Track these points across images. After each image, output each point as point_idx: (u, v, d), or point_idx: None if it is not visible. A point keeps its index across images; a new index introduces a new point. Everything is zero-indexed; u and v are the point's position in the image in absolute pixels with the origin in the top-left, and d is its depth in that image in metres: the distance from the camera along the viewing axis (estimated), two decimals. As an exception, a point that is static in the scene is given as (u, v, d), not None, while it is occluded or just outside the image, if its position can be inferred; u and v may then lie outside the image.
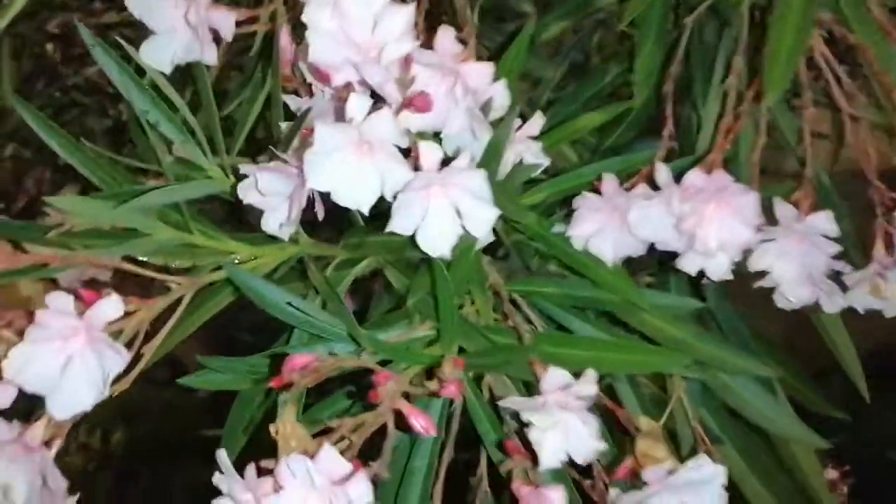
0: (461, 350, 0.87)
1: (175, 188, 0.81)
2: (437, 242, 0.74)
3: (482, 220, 0.73)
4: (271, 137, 0.92)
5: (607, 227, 0.92)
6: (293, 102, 0.90)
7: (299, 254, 0.94)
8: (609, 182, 0.91)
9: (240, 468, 0.62)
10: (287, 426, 0.61)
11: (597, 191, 0.96)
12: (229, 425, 0.97)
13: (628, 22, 0.99)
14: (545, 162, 0.90)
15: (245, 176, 0.77)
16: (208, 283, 0.89)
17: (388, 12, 0.71)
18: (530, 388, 0.83)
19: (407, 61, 0.72)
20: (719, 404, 1.02)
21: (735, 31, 1.06)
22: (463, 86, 0.76)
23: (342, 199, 0.71)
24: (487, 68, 0.79)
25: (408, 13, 0.71)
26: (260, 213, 0.82)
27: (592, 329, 0.97)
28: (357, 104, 0.69)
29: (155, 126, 0.88)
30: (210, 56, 0.79)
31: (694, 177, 0.85)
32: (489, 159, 0.79)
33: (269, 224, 0.78)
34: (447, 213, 0.74)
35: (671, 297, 0.95)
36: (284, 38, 0.86)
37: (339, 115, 0.75)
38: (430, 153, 0.71)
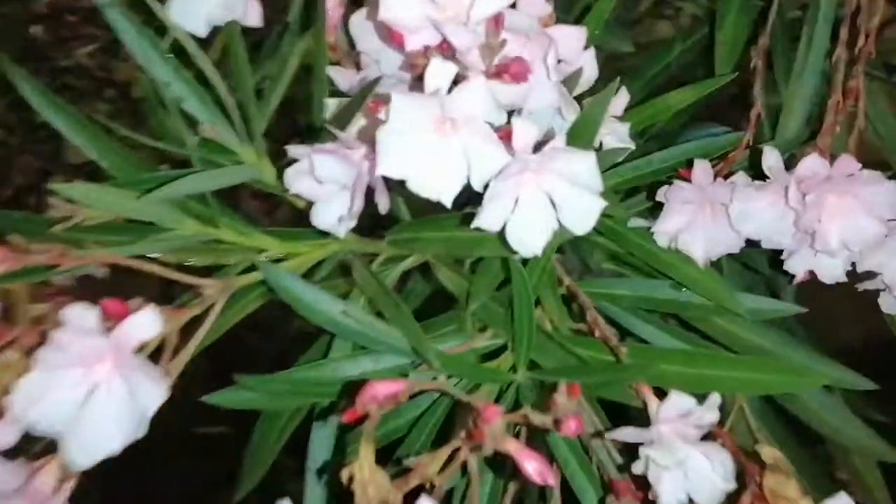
0: (534, 365, 0.75)
1: (207, 175, 0.68)
2: (531, 239, 0.61)
3: (586, 213, 0.61)
4: (308, 117, 0.79)
5: (697, 221, 0.80)
6: (339, 76, 0.77)
7: (341, 252, 0.82)
8: (702, 169, 0.79)
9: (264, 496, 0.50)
10: (365, 470, 0.49)
11: (681, 179, 0.84)
12: (254, 449, 0.84)
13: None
14: (631, 145, 0.77)
15: (291, 161, 0.65)
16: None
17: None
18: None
19: (496, 21, 0.59)
20: (777, 414, 0.91)
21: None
22: (555, 54, 0.63)
23: (420, 187, 0.58)
24: (581, 34, 0.67)
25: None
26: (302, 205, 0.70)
27: (670, 338, 0.86)
28: (440, 71, 0.57)
29: (178, 102, 0.75)
30: (254, 15, 0.65)
31: (812, 163, 0.73)
32: (580, 142, 0.66)
33: (323, 218, 0.65)
34: (542, 204, 0.61)
35: (765, 301, 0.83)
36: (333, -1, 0.73)
37: (413, 88, 0.62)
38: (524, 132, 0.59)
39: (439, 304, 0.91)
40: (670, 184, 0.81)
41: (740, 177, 0.78)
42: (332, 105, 0.76)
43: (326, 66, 0.75)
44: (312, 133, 0.78)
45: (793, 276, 0.84)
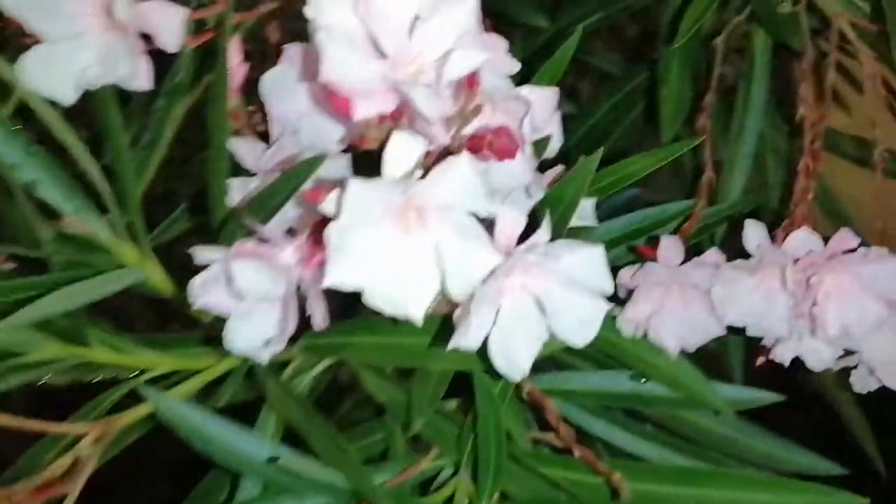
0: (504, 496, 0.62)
1: (75, 289, 0.51)
2: (519, 358, 0.48)
3: (587, 320, 0.48)
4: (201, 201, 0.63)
5: (667, 306, 0.69)
6: (243, 150, 0.62)
7: (245, 364, 0.66)
8: (671, 247, 0.69)
9: None
10: None
11: (643, 257, 0.74)
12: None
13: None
14: (595, 223, 0.66)
15: (197, 268, 0.49)
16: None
17: (444, 3, 0.45)
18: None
19: (471, 82, 0.46)
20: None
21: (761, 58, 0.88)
22: (531, 121, 0.51)
23: (382, 301, 0.44)
24: (554, 95, 0.55)
25: (471, 4, 0.46)
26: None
27: (636, 440, 0.75)
28: (407, 148, 0.43)
29: (31, 188, 0.57)
30: (141, 75, 0.49)
31: (804, 239, 0.64)
32: (555, 226, 0.54)
33: (241, 339, 0.50)
34: (530, 312, 0.48)
35: (741, 391, 0.73)
36: (235, 55, 0.58)
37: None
38: (510, 223, 0.46)
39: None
40: (633, 263, 0.71)
41: (713, 254, 0.68)
42: (235, 187, 0.60)
43: (228, 138, 0.59)
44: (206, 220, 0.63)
45: (746, 353, 0.75)
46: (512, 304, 0.48)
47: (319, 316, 0.49)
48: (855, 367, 0.71)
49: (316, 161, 0.46)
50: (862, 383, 0.73)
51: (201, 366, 0.65)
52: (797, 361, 0.70)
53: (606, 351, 0.72)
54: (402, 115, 0.47)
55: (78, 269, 0.60)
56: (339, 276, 0.43)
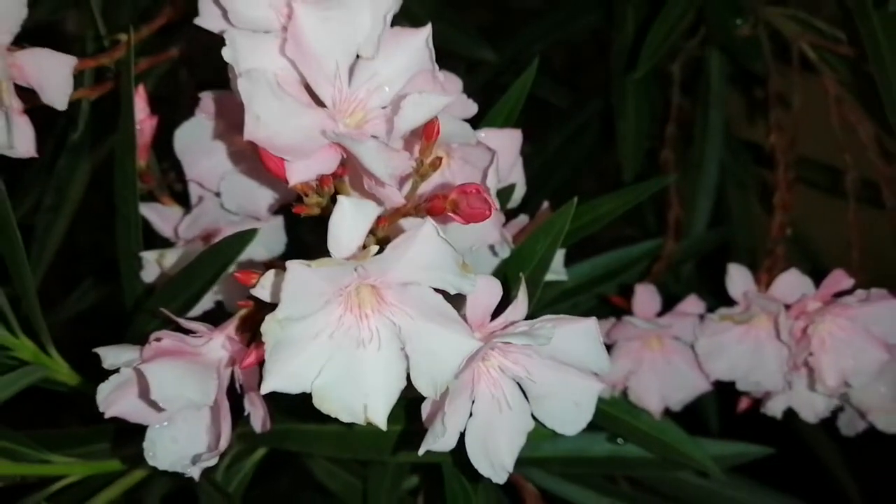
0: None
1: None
2: (501, 455, 0.40)
3: (581, 405, 0.41)
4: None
5: (646, 362, 0.63)
6: (156, 216, 0.53)
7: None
8: (647, 297, 0.63)
9: None
10: None
11: (615, 307, 0.67)
12: None
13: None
14: (564, 277, 0.59)
15: (103, 372, 0.40)
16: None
17: (392, 39, 0.38)
18: None
19: (430, 131, 0.39)
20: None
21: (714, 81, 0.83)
22: (496, 171, 0.44)
23: (336, 407, 0.36)
24: (517, 138, 0.48)
25: (422, 38, 0.38)
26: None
27: (610, 502, 0.68)
28: (354, 216, 0.35)
29: None
30: (23, 142, 0.40)
31: (794, 283, 0.58)
32: (520, 286, 0.46)
33: (163, 454, 0.41)
34: (511, 401, 0.41)
35: (727, 446, 0.66)
36: (142, 107, 0.50)
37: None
38: (485, 294, 0.38)
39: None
40: (608, 316, 0.64)
41: (693, 302, 0.62)
42: (149, 260, 0.52)
43: (137, 203, 0.50)
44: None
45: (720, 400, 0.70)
46: (489, 392, 0.40)
47: (259, 420, 0.40)
48: (841, 409, 0.66)
49: (245, 237, 0.38)
50: (849, 426, 0.67)
51: (115, 468, 0.56)
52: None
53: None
54: (344, 174, 0.39)
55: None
56: (280, 381, 0.34)
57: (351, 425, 0.51)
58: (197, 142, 0.50)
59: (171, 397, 0.37)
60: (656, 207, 0.90)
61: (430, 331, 0.36)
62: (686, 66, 0.81)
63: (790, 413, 0.65)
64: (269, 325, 0.34)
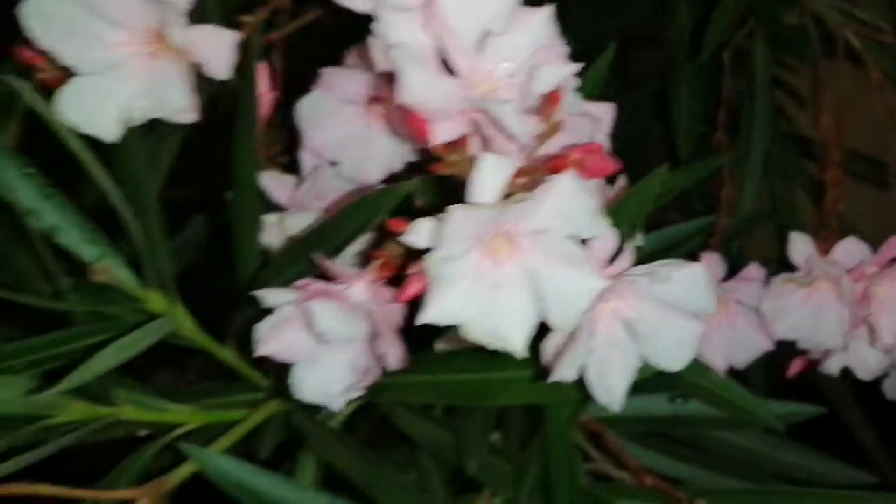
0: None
1: (112, 351, 0.46)
2: (617, 385, 0.45)
3: (684, 342, 0.46)
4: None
5: (711, 323, 0.67)
6: (274, 185, 0.58)
7: (278, 413, 0.61)
8: (713, 264, 0.67)
9: None
10: None
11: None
12: None
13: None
14: (641, 243, 0.63)
15: (263, 312, 0.45)
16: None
17: (519, 15, 0.43)
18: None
19: (554, 97, 0.44)
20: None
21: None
22: (602, 136, 0.49)
23: (481, 335, 0.41)
24: (610, 111, 0.53)
25: (545, 16, 0.43)
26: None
27: (670, 461, 0.72)
28: (496, 171, 0.40)
29: (51, 234, 0.52)
30: (193, 108, 0.45)
31: (852, 249, 0.63)
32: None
33: (309, 387, 0.45)
34: (624, 338, 0.45)
35: (786, 406, 0.71)
36: (264, 81, 0.55)
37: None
38: (605, 243, 0.43)
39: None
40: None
41: (755, 269, 0.66)
42: (271, 223, 0.56)
43: (257, 172, 0.55)
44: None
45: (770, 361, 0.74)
46: (605, 331, 0.45)
47: (396, 357, 0.45)
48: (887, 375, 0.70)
49: (397, 190, 0.42)
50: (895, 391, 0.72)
51: (232, 418, 0.61)
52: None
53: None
54: (472, 138, 0.44)
55: (102, 321, 0.56)
56: (438, 312, 0.39)
57: (451, 375, 0.56)
58: (315, 114, 0.55)
59: (333, 331, 0.42)
60: (700, 192, 0.95)
61: (563, 272, 0.41)
62: (734, 56, 0.86)
63: (820, 380, 0.70)
64: (431, 264, 0.39)
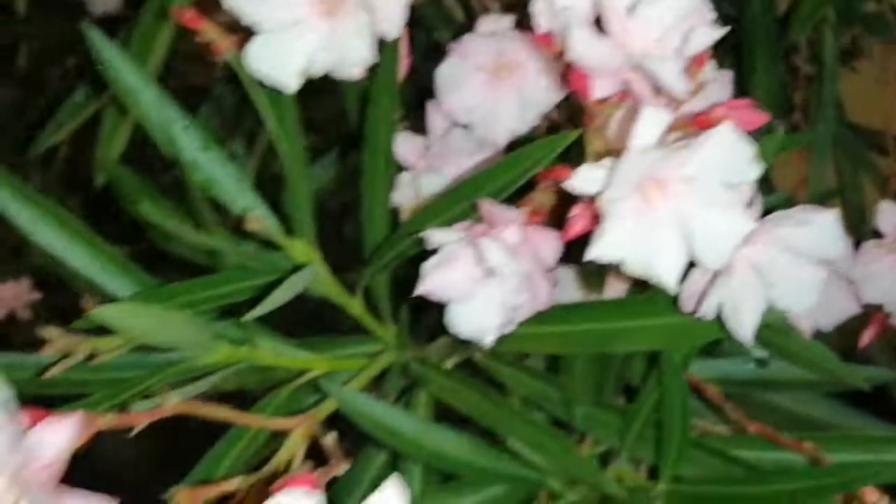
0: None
1: (274, 298, 0.50)
2: (748, 322, 0.49)
3: (808, 286, 0.50)
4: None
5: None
6: (405, 146, 0.62)
7: (397, 363, 0.65)
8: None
9: None
10: None
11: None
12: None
13: None
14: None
15: (424, 251, 0.49)
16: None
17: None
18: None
19: (701, 59, 0.48)
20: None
21: None
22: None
23: (639, 270, 0.45)
24: (730, 78, 0.57)
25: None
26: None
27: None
28: (655, 122, 0.44)
29: (206, 188, 0.56)
30: (365, 61, 0.49)
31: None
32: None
33: (465, 323, 0.49)
34: (755, 279, 0.49)
35: (872, 370, 0.74)
36: (406, 44, 0.59)
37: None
38: (748, 189, 0.47)
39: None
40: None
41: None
42: (404, 182, 0.61)
43: (393, 134, 0.59)
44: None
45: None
46: (740, 273, 0.48)
47: (544, 298, 0.49)
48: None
49: (556, 142, 0.46)
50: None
51: (354, 366, 0.65)
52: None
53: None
54: (626, 96, 0.48)
55: (248, 270, 0.60)
56: (605, 248, 0.43)
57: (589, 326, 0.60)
58: (451, 80, 0.59)
59: (502, 266, 0.46)
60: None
61: (714, 215, 0.45)
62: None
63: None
64: (603, 203, 0.43)
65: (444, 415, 0.63)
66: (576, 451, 0.56)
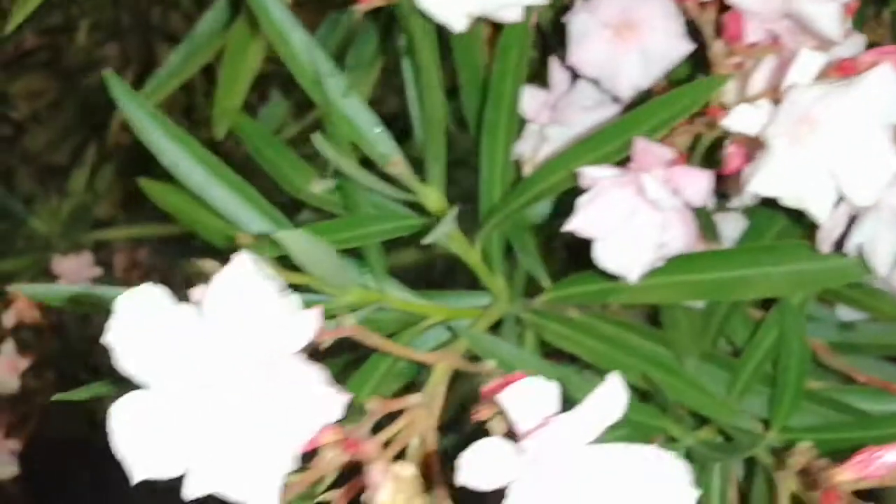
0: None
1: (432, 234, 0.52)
2: (885, 258, 0.51)
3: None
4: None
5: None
6: (529, 99, 0.64)
7: (510, 313, 0.67)
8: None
9: None
10: None
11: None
12: None
13: None
14: None
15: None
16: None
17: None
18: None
19: (850, 8, 0.50)
20: None
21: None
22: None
23: (793, 203, 0.47)
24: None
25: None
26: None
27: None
28: (811, 63, 0.46)
29: (348, 133, 0.59)
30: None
31: None
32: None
33: (613, 258, 0.52)
34: (889, 219, 0.51)
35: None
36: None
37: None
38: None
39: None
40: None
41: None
42: (532, 131, 0.63)
43: (521, 85, 0.61)
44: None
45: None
46: (886, 212, 0.50)
47: (692, 235, 0.51)
48: None
49: (714, 82, 0.48)
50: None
51: (469, 315, 0.67)
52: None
53: (821, 297, 0.75)
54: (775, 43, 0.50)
55: (381, 216, 0.62)
56: (764, 182, 0.45)
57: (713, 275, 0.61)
58: (579, 33, 0.61)
59: (662, 200, 0.48)
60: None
61: (867, 152, 0.47)
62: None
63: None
64: (764, 139, 0.45)
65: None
66: (710, 391, 0.57)
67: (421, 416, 0.48)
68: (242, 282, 0.32)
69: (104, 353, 0.60)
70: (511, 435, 0.35)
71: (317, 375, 0.32)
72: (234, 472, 0.32)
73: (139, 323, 0.33)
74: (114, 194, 1.62)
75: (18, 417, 1.35)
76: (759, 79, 0.49)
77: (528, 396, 0.33)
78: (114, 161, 1.59)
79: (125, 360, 0.33)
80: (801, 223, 0.64)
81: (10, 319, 1.30)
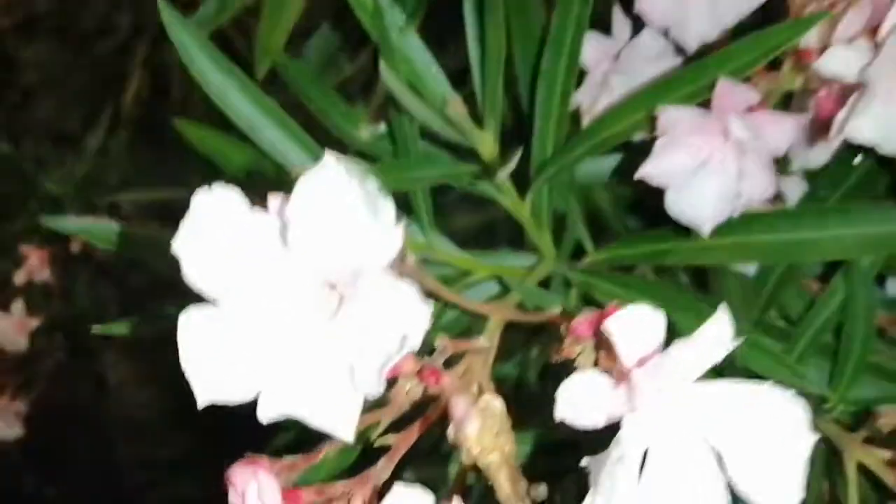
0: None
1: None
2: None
3: None
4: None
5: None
6: (592, 47, 0.61)
7: (556, 272, 0.65)
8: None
9: None
10: None
11: None
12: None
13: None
14: None
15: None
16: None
17: None
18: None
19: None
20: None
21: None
22: None
23: (890, 151, 0.44)
24: None
25: None
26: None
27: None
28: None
29: (404, 71, 0.56)
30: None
31: None
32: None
33: (685, 208, 0.49)
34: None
35: None
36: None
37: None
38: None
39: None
40: None
41: None
42: (595, 82, 0.60)
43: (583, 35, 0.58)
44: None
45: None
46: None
47: (771, 185, 0.49)
48: None
49: (803, 23, 0.46)
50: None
51: (516, 273, 0.64)
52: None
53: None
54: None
55: (432, 160, 0.59)
56: (858, 130, 0.43)
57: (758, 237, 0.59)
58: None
59: (746, 141, 0.45)
60: None
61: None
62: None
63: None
64: (862, 81, 0.42)
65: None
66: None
67: (477, 365, 0.45)
68: (332, 185, 0.29)
69: (114, 318, 0.58)
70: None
71: (409, 289, 0.30)
72: (313, 396, 0.30)
73: (213, 229, 0.30)
74: (127, 160, 1.59)
75: (26, 379, 1.33)
76: (854, 20, 0.46)
77: (636, 324, 0.30)
78: (128, 128, 1.57)
79: (194, 270, 0.30)
80: (866, 188, 0.61)
81: (20, 278, 1.27)
